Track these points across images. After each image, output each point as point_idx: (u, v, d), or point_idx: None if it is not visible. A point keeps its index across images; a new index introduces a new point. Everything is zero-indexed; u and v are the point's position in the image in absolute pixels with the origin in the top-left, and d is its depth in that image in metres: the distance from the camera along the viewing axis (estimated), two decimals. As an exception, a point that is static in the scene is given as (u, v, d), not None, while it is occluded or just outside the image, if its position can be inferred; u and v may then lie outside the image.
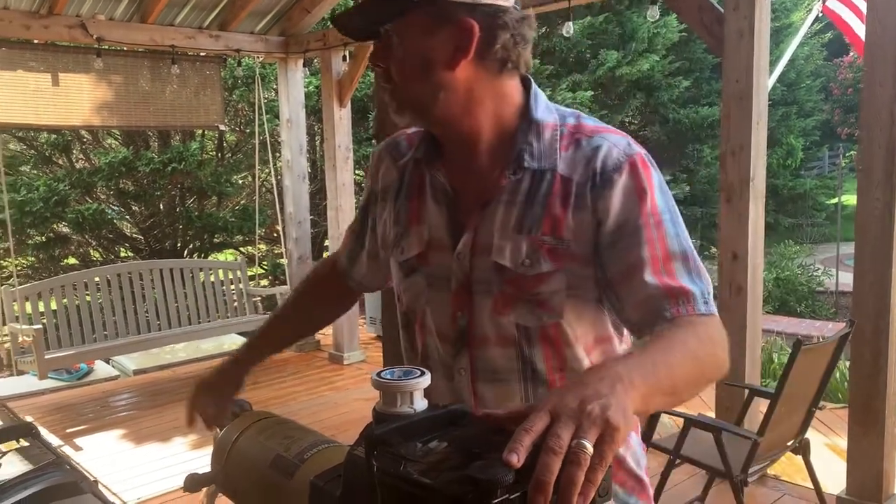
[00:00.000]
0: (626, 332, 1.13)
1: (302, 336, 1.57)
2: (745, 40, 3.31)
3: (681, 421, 2.83)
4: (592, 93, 9.87)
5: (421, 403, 0.83)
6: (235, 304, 6.19)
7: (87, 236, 7.72)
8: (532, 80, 1.12)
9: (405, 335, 1.23)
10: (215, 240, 8.23)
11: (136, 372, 5.79)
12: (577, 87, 9.90)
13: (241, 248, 9.03)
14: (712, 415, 3.51)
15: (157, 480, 3.78)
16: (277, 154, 7.13)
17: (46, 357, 4.67)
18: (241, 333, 6.50)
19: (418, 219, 1.16)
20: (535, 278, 1.06)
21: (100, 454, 4.16)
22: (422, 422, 0.79)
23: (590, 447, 0.68)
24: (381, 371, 0.85)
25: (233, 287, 6.21)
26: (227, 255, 9.38)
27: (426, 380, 0.83)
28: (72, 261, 8.12)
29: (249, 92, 7.33)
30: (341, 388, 5.29)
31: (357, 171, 6.90)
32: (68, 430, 4.52)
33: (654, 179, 1.05)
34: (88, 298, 5.50)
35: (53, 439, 4.34)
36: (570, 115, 1.12)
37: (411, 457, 0.73)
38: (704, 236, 11.79)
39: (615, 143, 1.06)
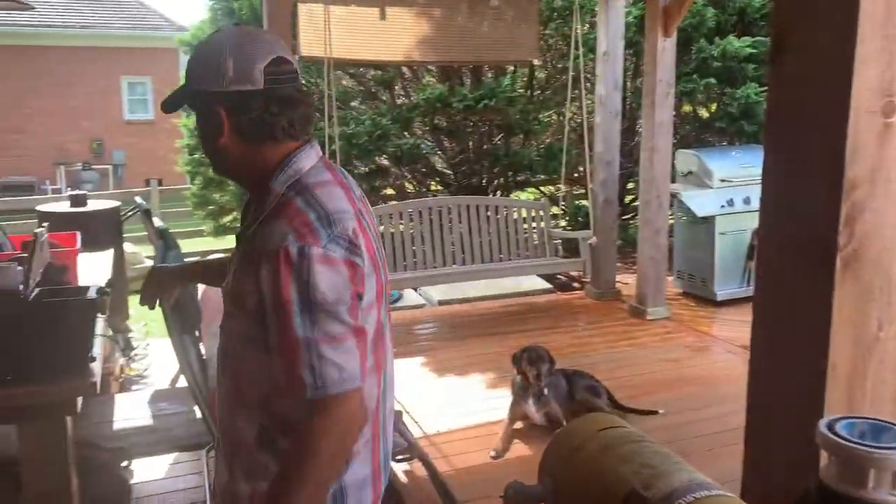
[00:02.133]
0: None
1: (207, 283, 1.94)
2: None
3: None
4: None
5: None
6: (536, 244, 6.07)
7: (403, 169, 8.13)
8: (304, 147, 1.40)
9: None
10: (518, 178, 8.18)
11: (441, 303, 5.97)
12: None
13: (543, 188, 8.92)
14: None
15: (457, 415, 3.79)
16: (588, 90, 6.78)
17: (363, 281, 4.93)
18: (541, 275, 6.40)
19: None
20: (227, 314, 1.38)
21: (404, 380, 4.28)
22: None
23: None
24: (835, 421, 0.50)
25: (534, 226, 6.08)
26: (528, 195, 9.34)
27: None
28: (389, 192, 8.65)
29: (565, 24, 7.04)
30: (643, 345, 4.92)
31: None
32: (378, 353, 4.76)
33: (294, 272, 1.23)
34: (402, 228, 5.73)
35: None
36: (294, 191, 1.34)
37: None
38: None
39: (278, 230, 1.27)
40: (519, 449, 3.46)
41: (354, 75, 8.27)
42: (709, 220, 5.63)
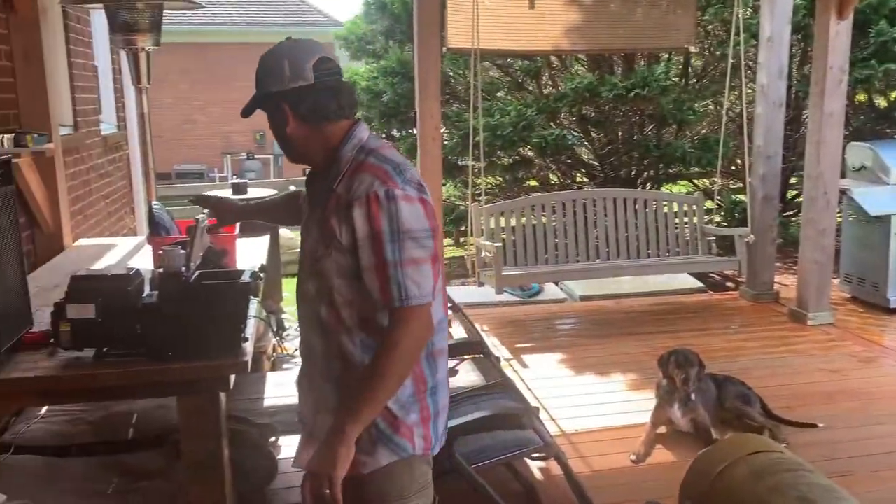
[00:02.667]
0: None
1: (274, 220, 2.41)
2: None
3: None
4: None
5: None
6: (687, 240, 5.78)
7: (547, 160, 8.02)
8: (358, 122, 1.77)
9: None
10: (670, 170, 7.84)
11: (583, 298, 5.84)
12: None
13: (696, 182, 8.51)
14: None
15: (596, 415, 3.70)
16: (748, 78, 6.38)
17: (503, 273, 4.92)
18: (692, 274, 6.12)
19: (306, 209, 1.85)
20: (318, 259, 1.69)
21: (542, 375, 4.24)
22: None
23: (326, 491, 1.54)
24: None
25: (686, 222, 5.80)
26: (680, 188, 8.95)
27: None
28: (532, 183, 8.57)
29: (725, 9, 6.64)
30: (802, 353, 4.57)
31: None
32: (517, 345, 4.72)
33: (383, 210, 1.60)
34: (545, 220, 5.66)
35: (504, 352, 4.57)
36: (366, 153, 1.71)
37: None
38: None
39: (364, 180, 1.64)
40: (661, 455, 3.32)
41: (501, 66, 8.24)
42: (883, 220, 5.14)
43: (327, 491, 1.53)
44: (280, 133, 1.74)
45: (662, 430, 3.47)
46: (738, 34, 5.26)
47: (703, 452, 0.93)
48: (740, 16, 5.28)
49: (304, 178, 1.93)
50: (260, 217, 2.32)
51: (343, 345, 1.70)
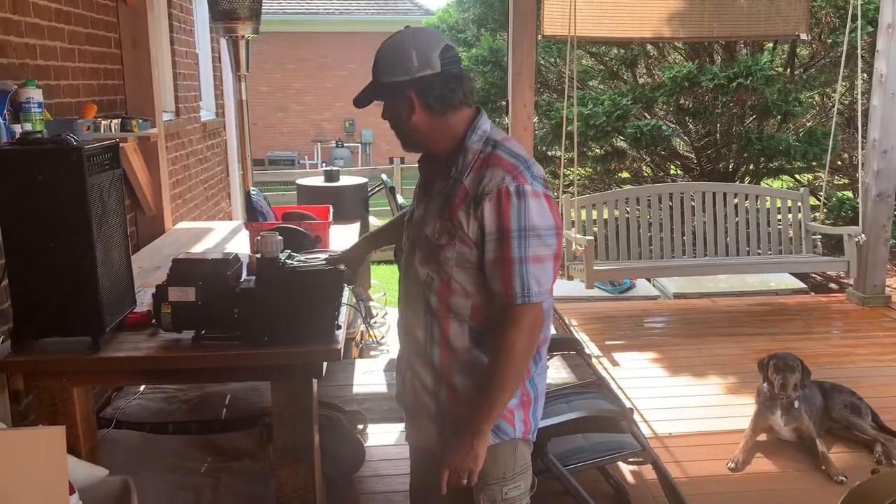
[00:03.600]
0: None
1: (388, 244, 2.28)
2: None
3: None
4: None
5: None
6: (790, 238, 5.49)
7: (641, 152, 7.78)
8: (481, 111, 1.75)
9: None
10: (771, 165, 7.46)
11: (676, 295, 5.64)
12: None
13: (798, 177, 8.09)
14: None
15: (690, 419, 3.55)
16: (862, 68, 6.00)
17: (595, 268, 4.79)
18: (793, 273, 5.82)
19: (417, 200, 1.85)
20: (438, 247, 1.69)
21: (634, 374, 4.10)
22: None
23: (464, 480, 1.66)
24: None
25: (790, 219, 5.51)
26: (781, 183, 8.54)
27: None
28: (624, 175, 8.34)
29: (840, -6, 6.27)
30: (918, 361, 4.27)
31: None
32: (607, 342, 4.60)
33: (513, 206, 1.61)
34: (637, 214, 5.48)
35: (593, 349, 4.46)
36: (492, 145, 1.70)
37: None
38: None
39: (495, 175, 1.63)
40: (761, 464, 3.15)
41: (595, 54, 8.04)
42: None
43: (465, 482, 1.66)
44: (401, 122, 1.73)
45: (763, 437, 3.30)
46: (853, 21, 4.94)
47: (861, 484, 0.84)
48: (858, 2, 4.94)
49: (390, 166, 1.93)
50: (379, 246, 2.37)
51: (450, 331, 1.72)
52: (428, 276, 1.72)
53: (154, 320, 2.30)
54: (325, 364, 2.35)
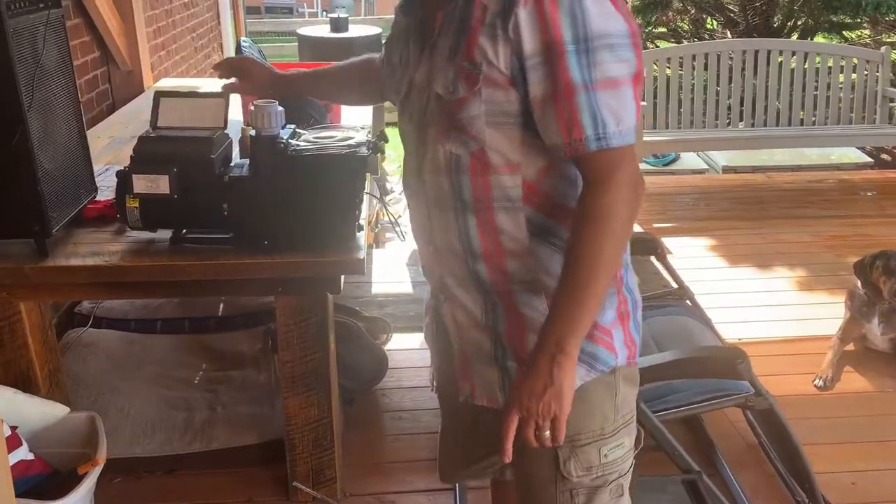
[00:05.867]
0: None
1: (330, 98, 1.93)
2: None
3: None
4: None
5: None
6: (859, 106, 4.79)
7: (687, 3, 6.91)
8: None
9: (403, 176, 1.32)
10: (833, 18, 6.61)
11: (725, 169, 5.04)
12: None
13: (859, 33, 7.21)
14: None
15: (760, 321, 3.07)
16: None
17: (644, 139, 4.17)
18: (861, 148, 5.19)
19: (407, 63, 1.22)
20: (456, 103, 1.10)
21: (688, 265, 3.52)
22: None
23: (546, 434, 1.09)
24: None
25: (858, 83, 4.80)
26: (835, 40, 7.68)
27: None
28: (661, 30, 7.49)
29: None
30: None
31: None
32: (655, 225, 4.05)
33: (562, 6, 1.02)
34: (680, 77, 4.79)
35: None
36: None
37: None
38: None
39: None
40: (853, 381, 2.69)
41: None
42: None
43: (546, 439, 1.09)
44: None
45: (850, 347, 2.83)
46: None
47: None
48: None
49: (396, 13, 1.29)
50: (310, 92, 1.77)
51: (498, 228, 1.15)
52: (451, 156, 1.14)
53: (118, 214, 1.75)
54: (342, 277, 1.82)
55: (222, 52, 5.83)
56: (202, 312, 2.85)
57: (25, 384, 1.84)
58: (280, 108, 1.70)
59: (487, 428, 1.21)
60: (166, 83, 3.79)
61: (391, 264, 3.35)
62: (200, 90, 3.59)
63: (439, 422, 2.41)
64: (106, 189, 2.09)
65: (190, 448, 2.20)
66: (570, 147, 1.04)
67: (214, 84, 3.74)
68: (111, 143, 2.67)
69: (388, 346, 2.77)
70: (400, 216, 3.98)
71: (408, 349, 2.81)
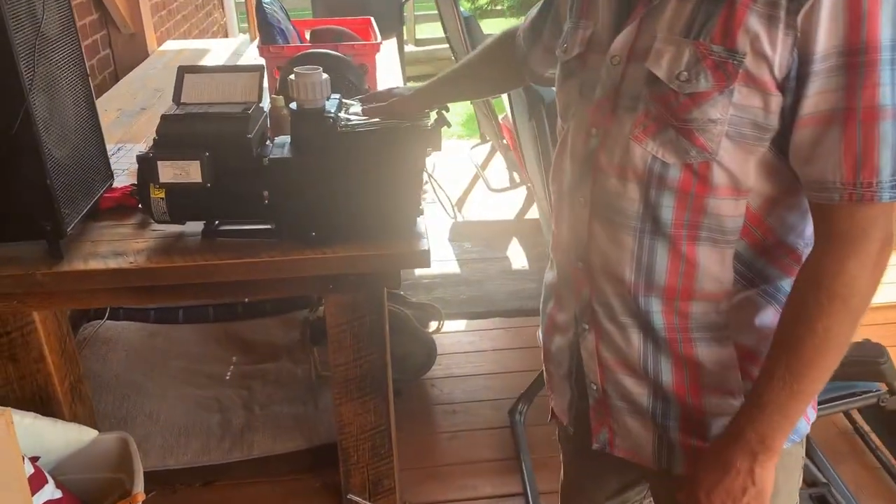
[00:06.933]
0: None
1: (462, 98, 1.75)
2: None
3: None
4: None
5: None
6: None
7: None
8: None
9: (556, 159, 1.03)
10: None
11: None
12: None
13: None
14: None
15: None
16: None
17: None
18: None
19: (587, 14, 0.95)
20: (689, 98, 0.81)
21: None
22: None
23: None
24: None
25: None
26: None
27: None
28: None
29: None
30: None
31: None
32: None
33: (884, 1, 0.72)
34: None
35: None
36: None
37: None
38: None
39: None
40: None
41: None
42: None
43: None
44: None
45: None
46: None
47: None
48: None
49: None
50: (452, 97, 1.49)
51: (696, 262, 0.89)
52: (653, 162, 0.86)
53: (141, 206, 1.51)
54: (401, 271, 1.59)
55: (223, 9, 5.50)
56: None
57: (44, 401, 1.61)
58: (325, 76, 1.44)
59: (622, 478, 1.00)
60: (171, 46, 3.50)
61: (433, 241, 3.11)
62: (210, 52, 3.32)
63: (496, 416, 2.23)
64: (121, 172, 1.85)
65: (229, 457, 1.99)
66: (851, 191, 0.77)
67: (224, 47, 3.46)
68: (120, 117, 2.40)
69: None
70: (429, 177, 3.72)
71: (455, 332, 2.59)
